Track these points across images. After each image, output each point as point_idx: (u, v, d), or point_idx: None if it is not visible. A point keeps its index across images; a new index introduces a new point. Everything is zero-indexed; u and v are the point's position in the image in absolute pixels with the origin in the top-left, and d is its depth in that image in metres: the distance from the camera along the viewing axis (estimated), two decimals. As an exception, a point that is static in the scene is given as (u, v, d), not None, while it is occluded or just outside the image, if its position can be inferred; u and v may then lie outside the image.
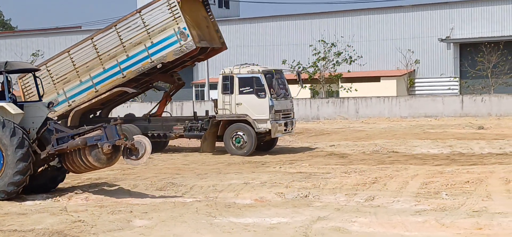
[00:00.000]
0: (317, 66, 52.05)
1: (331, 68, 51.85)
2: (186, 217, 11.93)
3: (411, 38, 55.64)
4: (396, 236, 10.24)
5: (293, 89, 25.45)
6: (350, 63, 51.96)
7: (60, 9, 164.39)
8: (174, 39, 23.54)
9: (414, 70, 55.68)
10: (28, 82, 25.45)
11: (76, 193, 15.01)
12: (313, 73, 52.06)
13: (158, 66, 24.12)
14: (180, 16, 23.31)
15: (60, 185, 16.26)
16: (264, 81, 23.11)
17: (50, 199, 14.37)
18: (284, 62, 52.96)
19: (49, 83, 25.17)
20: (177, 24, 23.41)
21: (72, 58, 24.86)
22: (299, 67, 52.06)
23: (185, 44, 23.45)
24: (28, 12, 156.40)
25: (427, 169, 17.88)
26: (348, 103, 46.14)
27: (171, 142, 28.05)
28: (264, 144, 24.40)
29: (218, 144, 24.14)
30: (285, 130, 23.80)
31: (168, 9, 23.49)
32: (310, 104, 47.35)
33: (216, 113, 23.77)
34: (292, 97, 24.86)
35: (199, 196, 14.26)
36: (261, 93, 23.15)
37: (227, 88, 23.39)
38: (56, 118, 25.29)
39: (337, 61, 51.74)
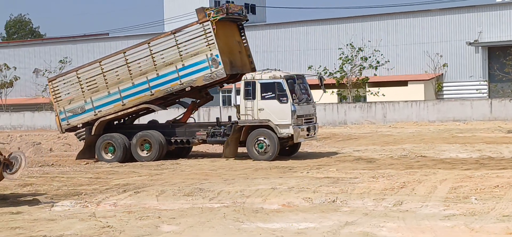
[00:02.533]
0: (343, 70, 51.91)
1: (358, 72, 51.68)
2: (214, 223, 11.94)
3: (439, 42, 55.31)
4: (425, 241, 10.16)
5: (317, 94, 25.36)
6: (376, 69, 51.74)
7: (87, 16, 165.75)
8: (206, 65, 23.64)
9: (442, 74, 55.32)
10: (57, 86, 25.72)
11: (104, 199, 15.10)
12: (340, 78, 51.94)
13: (186, 89, 24.31)
14: (214, 43, 23.39)
15: (87, 191, 16.40)
16: (286, 86, 23.08)
17: (79, 205, 14.47)
18: (310, 68, 52.91)
19: (77, 89, 25.37)
20: (210, 50, 23.49)
21: (103, 68, 25.02)
22: (326, 72, 52.01)
23: (216, 71, 23.54)
24: (56, 19, 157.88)
25: (456, 173, 17.73)
26: (376, 107, 45.96)
27: (199, 148, 28.13)
28: (288, 149, 24.37)
29: (241, 149, 24.16)
30: (307, 135, 23.73)
31: (203, 34, 23.57)
32: (337, 109, 47.24)
33: (239, 119, 23.80)
34: (315, 102, 24.79)
35: (227, 202, 14.27)
36: (283, 98, 23.11)
37: (249, 94, 23.39)
38: (81, 125, 25.57)
39: (363, 66, 51.54)
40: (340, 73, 51.99)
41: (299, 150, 26.04)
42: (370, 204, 13.44)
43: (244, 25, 25.71)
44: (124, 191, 16.26)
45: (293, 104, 23.04)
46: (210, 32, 23.41)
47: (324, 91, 24.93)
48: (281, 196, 14.77)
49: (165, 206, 14.07)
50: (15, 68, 66.44)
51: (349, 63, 52.00)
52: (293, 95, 23.13)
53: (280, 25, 61.69)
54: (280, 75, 23.37)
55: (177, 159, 24.57)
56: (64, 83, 25.72)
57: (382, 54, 53.15)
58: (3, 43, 79.84)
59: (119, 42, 65.97)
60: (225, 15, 23.75)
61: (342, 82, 52.06)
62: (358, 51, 52.19)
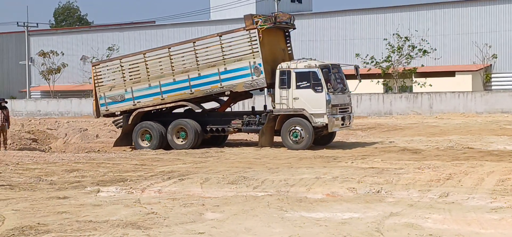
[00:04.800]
0: (390, 59, 51.45)
1: (405, 62, 51.17)
2: (257, 211, 11.94)
3: (487, 32, 54.39)
4: (471, 233, 10.01)
5: (353, 84, 25.15)
6: (424, 53, 50.99)
7: (134, 4, 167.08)
8: (248, 72, 23.74)
9: (491, 64, 54.45)
10: (100, 71, 26.05)
11: (149, 186, 15.22)
12: (386, 68, 51.52)
13: (226, 93, 24.47)
14: (258, 51, 23.47)
15: (132, 178, 16.56)
16: (321, 76, 23.02)
17: (124, 191, 14.60)
18: (357, 55, 52.55)
19: (119, 78, 25.65)
20: (254, 58, 23.56)
21: (146, 61, 25.27)
22: (372, 62, 51.63)
23: (257, 79, 23.65)
24: (104, 7, 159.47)
25: (503, 165, 17.44)
26: (422, 98, 45.52)
27: (242, 136, 28.18)
28: (322, 138, 24.30)
29: (276, 138, 24.17)
30: (342, 124, 23.65)
31: (248, 42, 23.64)
32: (383, 99, 46.89)
33: (274, 108, 23.80)
34: (350, 92, 24.66)
35: (271, 190, 14.26)
36: (318, 88, 23.06)
37: (284, 83, 23.41)
38: (119, 112, 25.88)
39: (410, 55, 50.99)
40: (387, 63, 51.54)
41: (343, 140, 25.95)
42: (415, 195, 13.30)
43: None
44: (168, 178, 16.36)
45: (328, 93, 22.97)
46: (256, 40, 23.47)
47: (360, 81, 24.74)
48: (325, 185, 14.71)
49: (209, 193, 14.13)
50: (63, 53, 67.34)
51: (397, 52, 51.46)
52: (328, 84, 23.06)
53: (326, 14, 61.36)
54: (315, 64, 23.32)
55: (220, 147, 24.69)
56: (107, 70, 26.06)
57: (429, 44, 52.48)
58: (52, 30, 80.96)
59: (165, 30, 66.42)
60: (272, 24, 23.77)
61: (388, 72, 51.61)
62: (404, 41, 51.65)
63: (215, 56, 24.23)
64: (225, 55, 24.06)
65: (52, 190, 14.99)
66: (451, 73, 53.30)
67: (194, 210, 12.19)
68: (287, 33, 25.15)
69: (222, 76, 24.14)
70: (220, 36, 24.42)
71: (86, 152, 24.91)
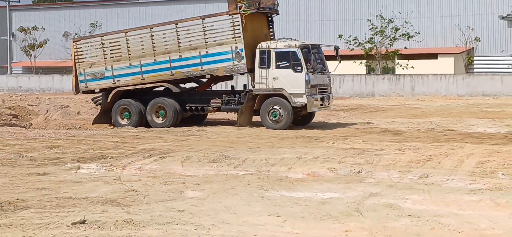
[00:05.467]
0: (373, 41, 51.48)
1: (388, 44, 51.23)
2: (238, 190, 11.96)
3: (470, 15, 54.52)
4: (449, 214, 10.08)
5: (334, 64, 25.17)
6: (407, 39, 51.13)
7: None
8: (229, 57, 23.73)
9: (473, 47, 54.64)
10: (81, 47, 25.93)
11: (130, 163, 15.19)
12: (369, 49, 51.56)
13: (206, 77, 24.49)
14: (240, 36, 23.44)
15: (113, 155, 16.52)
16: (300, 56, 23.05)
17: (105, 168, 14.57)
18: (340, 36, 52.55)
19: (100, 55, 25.56)
20: (236, 43, 23.55)
21: (128, 40, 25.20)
22: (356, 43, 51.66)
23: (238, 64, 23.66)
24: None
25: (483, 148, 17.57)
26: (404, 80, 45.69)
27: (225, 115, 28.17)
28: (302, 118, 24.36)
29: (255, 118, 24.21)
30: (321, 105, 23.72)
31: (231, 26, 23.60)
32: (365, 81, 47.01)
33: (253, 87, 23.80)
34: (330, 72, 24.70)
35: (252, 169, 14.28)
36: (298, 68, 23.11)
37: (264, 62, 23.42)
38: (98, 90, 25.81)
39: (394, 37, 51.05)
40: (370, 44, 51.59)
41: (324, 121, 26.01)
42: (396, 176, 13.38)
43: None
44: (149, 156, 16.35)
45: (307, 74, 23.01)
46: (239, 25, 23.45)
47: (340, 62, 24.77)
48: (306, 165, 14.75)
49: (190, 172, 14.13)
50: (44, 29, 66.77)
51: (379, 34, 51.49)
52: (308, 64, 23.10)
53: (310, -6, 61.21)
54: (295, 44, 23.35)
55: (201, 126, 24.68)
56: (89, 46, 25.97)
57: (412, 26, 52.54)
58: (34, 6, 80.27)
59: (148, 8, 66.02)
60: (256, 10, 23.74)
61: (371, 53, 51.68)
62: (388, 23, 51.69)
63: (197, 39, 24.18)
64: (207, 38, 24.02)
65: (32, 166, 14.93)
66: (434, 56, 53.45)
67: (174, 188, 12.19)
68: (270, 18, 25.12)
69: (203, 59, 24.11)
70: (203, 19, 24.37)
71: (67, 128, 24.79)
